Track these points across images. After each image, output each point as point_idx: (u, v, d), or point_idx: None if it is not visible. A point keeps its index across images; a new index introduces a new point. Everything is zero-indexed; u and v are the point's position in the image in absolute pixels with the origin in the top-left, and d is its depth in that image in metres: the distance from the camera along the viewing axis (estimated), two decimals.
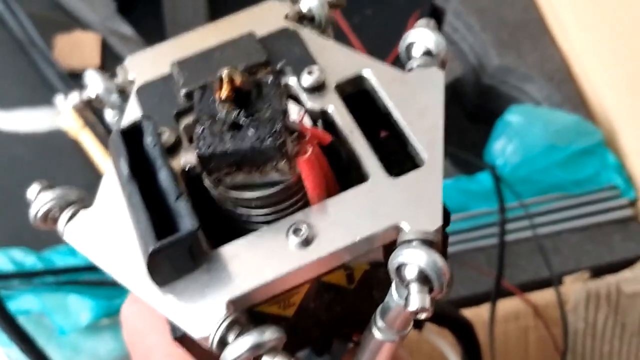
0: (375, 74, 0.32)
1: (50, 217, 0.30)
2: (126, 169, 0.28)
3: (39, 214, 0.30)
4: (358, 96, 0.32)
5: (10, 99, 0.97)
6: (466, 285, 0.80)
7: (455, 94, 1.02)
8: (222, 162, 0.27)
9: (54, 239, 0.83)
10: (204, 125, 0.27)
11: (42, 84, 0.97)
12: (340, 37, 0.98)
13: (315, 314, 0.33)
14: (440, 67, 0.32)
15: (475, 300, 0.78)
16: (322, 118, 0.31)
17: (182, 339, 0.28)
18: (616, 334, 0.79)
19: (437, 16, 1.07)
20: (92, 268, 0.78)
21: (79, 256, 0.80)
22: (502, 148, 0.88)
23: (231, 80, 0.27)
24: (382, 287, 0.32)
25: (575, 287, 0.78)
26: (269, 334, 0.26)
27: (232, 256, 0.28)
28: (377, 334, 0.31)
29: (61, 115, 0.91)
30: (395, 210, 0.28)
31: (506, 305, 0.77)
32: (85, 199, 0.31)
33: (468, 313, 0.76)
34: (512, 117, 0.88)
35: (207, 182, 0.29)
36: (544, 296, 0.77)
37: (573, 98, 0.94)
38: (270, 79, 0.28)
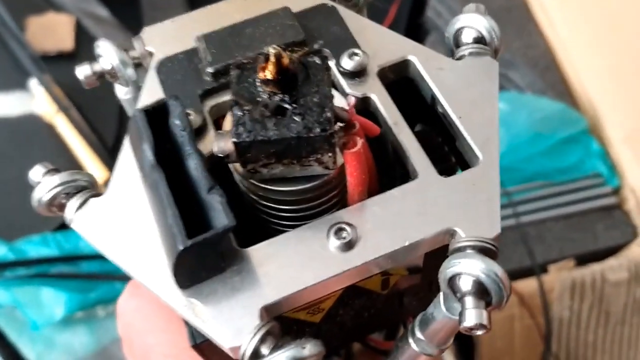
0: (422, 60, 0.29)
1: (56, 203, 0.27)
2: (151, 155, 0.24)
3: (44, 199, 0.27)
4: (400, 84, 0.29)
5: None
6: None
7: None
8: (262, 151, 0.24)
9: (26, 229, 0.80)
10: (243, 109, 0.24)
11: (14, 67, 0.93)
12: None
13: (342, 320, 0.30)
14: (493, 56, 0.29)
15: None
16: (363, 106, 0.28)
17: (202, 346, 0.26)
18: (601, 322, 0.78)
19: (420, 1, 1.05)
20: (65, 259, 0.76)
21: (51, 246, 0.77)
22: None
23: (278, 60, 0.24)
24: (414, 292, 0.29)
25: (560, 275, 0.77)
26: (310, 349, 0.22)
27: (266, 256, 0.24)
28: (414, 346, 0.28)
29: (36, 99, 0.88)
30: (448, 213, 0.25)
31: None
32: (97, 185, 0.28)
33: None
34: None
35: (237, 174, 0.26)
36: (529, 285, 0.77)
37: (557, 85, 0.93)
38: (317, 60, 0.25)
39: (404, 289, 0.29)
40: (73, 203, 0.26)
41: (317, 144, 0.24)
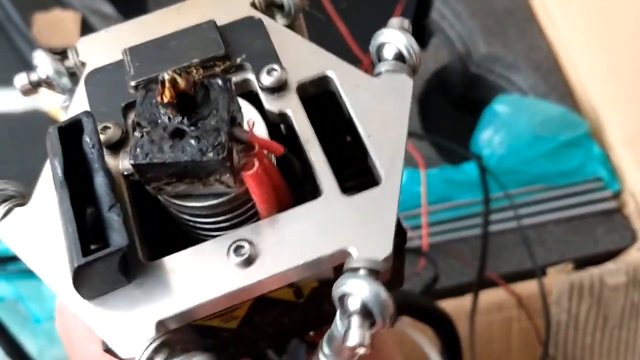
0: (340, 76, 0.29)
1: None
2: (60, 172, 0.25)
3: None
4: (323, 97, 0.30)
5: None
6: (450, 275, 0.79)
7: (441, 82, 1.01)
8: (160, 172, 0.25)
9: None
10: (143, 130, 0.25)
11: (19, 62, 0.94)
12: (326, 22, 0.96)
13: (262, 326, 0.31)
14: (410, 75, 0.29)
15: (459, 291, 0.77)
16: (282, 120, 0.29)
17: (112, 351, 0.26)
18: (598, 325, 0.79)
19: (425, 3, 1.06)
20: None
21: None
22: (489, 139, 0.87)
23: (174, 84, 0.24)
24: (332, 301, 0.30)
25: (559, 278, 0.78)
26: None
27: (169, 271, 0.25)
28: None
29: (42, 94, 0.88)
30: (345, 232, 0.26)
31: (490, 296, 0.76)
32: (25, 195, 0.29)
33: (452, 303, 0.75)
34: (500, 107, 0.87)
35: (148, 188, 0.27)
36: (528, 287, 0.77)
37: (559, 88, 0.94)
38: (219, 82, 0.25)
39: (322, 297, 0.29)
40: (1, 209, 0.28)
41: (211, 167, 0.24)
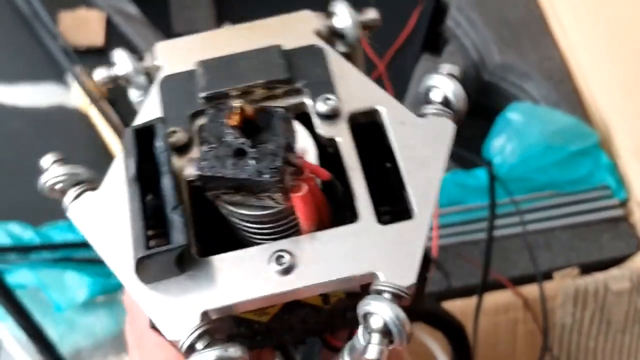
0: (389, 113, 0.32)
1: (57, 190, 0.31)
2: (133, 170, 0.29)
3: (47, 185, 0.31)
4: (371, 127, 0.32)
5: (12, 73, 0.97)
6: (459, 276, 0.81)
7: None
8: (220, 184, 0.28)
9: (52, 214, 0.83)
10: (210, 146, 0.28)
11: (45, 59, 0.97)
12: None
13: (290, 323, 0.34)
14: (454, 121, 0.32)
15: (467, 292, 0.79)
16: (331, 145, 0.31)
17: (154, 328, 0.29)
18: (602, 330, 0.81)
19: (440, 10, 1.08)
20: (90, 245, 0.79)
21: (77, 233, 0.80)
22: (501, 146, 0.89)
23: (242, 111, 0.28)
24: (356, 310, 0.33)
25: (564, 283, 0.80)
26: (233, 352, 0.26)
27: (217, 268, 0.28)
28: None
29: (73, 90, 0.91)
30: (375, 257, 0.28)
31: (497, 298, 0.78)
32: (94, 181, 0.32)
33: (459, 304, 0.78)
34: (513, 114, 0.89)
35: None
36: (534, 290, 0.79)
37: (570, 98, 0.96)
38: (280, 112, 0.29)
39: (346, 306, 0.33)
40: (71, 193, 0.31)
41: (265, 186, 0.28)
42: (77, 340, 0.73)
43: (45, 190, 0.32)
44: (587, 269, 0.83)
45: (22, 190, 0.86)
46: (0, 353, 0.73)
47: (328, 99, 0.31)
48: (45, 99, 0.94)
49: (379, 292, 0.28)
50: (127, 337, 0.39)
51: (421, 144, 0.31)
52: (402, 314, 0.27)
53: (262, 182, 0.27)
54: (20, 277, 0.76)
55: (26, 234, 0.80)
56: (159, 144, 0.29)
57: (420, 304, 0.34)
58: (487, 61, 1.02)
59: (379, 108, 0.32)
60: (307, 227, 0.29)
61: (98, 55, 0.97)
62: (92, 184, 0.31)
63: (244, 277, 0.28)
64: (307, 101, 0.32)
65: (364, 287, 0.30)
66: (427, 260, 0.30)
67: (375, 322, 0.27)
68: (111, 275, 0.85)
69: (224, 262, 0.29)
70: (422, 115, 0.32)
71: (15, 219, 0.81)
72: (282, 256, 0.28)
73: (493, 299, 0.78)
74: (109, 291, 0.77)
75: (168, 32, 1.04)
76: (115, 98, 0.90)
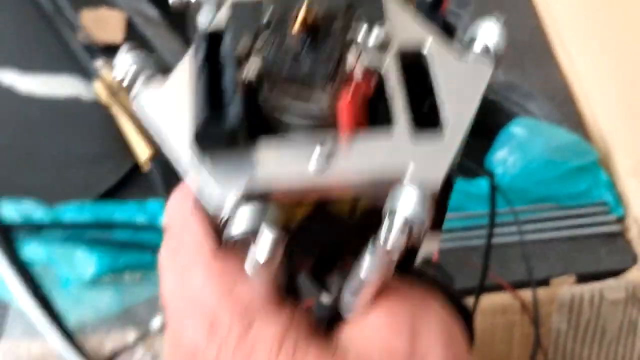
0: (435, 52, 0.34)
1: (128, 76, 0.34)
2: (200, 60, 0.32)
3: (118, 71, 0.34)
4: (413, 67, 0.35)
5: (30, 63, 0.99)
6: (459, 279, 0.83)
7: None
8: (276, 79, 0.31)
9: (66, 196, 0.85)
10: (270, 44, 0.31)
11: (65, 52, 1.00)
12: None
13: (314, 235, 0.36)
14: (492, 65, 0.35)
15: (466, 293, 0.81)
16: (376, 75, 0.34)
17: (200, 205, 0.32)
18: (596, 338, 0.82)
19: (448, 32, 1.12)
20: (100, 225, 0.81)
21: (88, 212, 0.82)
22: (504, 158, 0.92)
23: (306, 17, 0.31)
24: (377, 231, 0.35)
25: (561, 289, 0.81)
26: (270, 213, 0.29)
27: (262, 151, 0.31)
28: (362, 273, 0.34)
29: (97, 82, 0.94)
30: (407, 159, 0.31)
31: (495, 299, 0.80)
32: (161, 72, 0.34)
33: None
34: (516, 128, 0.93)
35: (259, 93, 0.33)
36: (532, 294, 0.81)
37: (571, 118, 0.99)
38: (340, 26, 0.32)
39: (369, 224, 0.34)
40: (140, 80, 0.34)
41: (317, 86, 0.31)
42: (82, 315, 0.74)
43: (117, 74, 0.34)
44: (583, 279, 0.85)
45: (37, 171, 0.88)
46: (8, 313, 0.74)
47: (380, 30, 0.34)
48: (63, 90, 0.97)
49: (405, 189, 0.30)
50: (162, 267, 0.40)
51: (461, 80, 0.33)
52: (424, 209, 0.29)
53: (314, 82, 0.30)
54: (30, 252, 0.77)
55: (38, 212, 0.81)
56: (226, 44, 0.32)
57: (439, 227, 0.36)
58: (492, 80, 1.05)
59: (426, 44, 0.35)
60: (346, 129, 0.32)
61: (116, 52, 1.00)
62: (160, 73, 0.34)
63: (288, 160, 0.31)
64: (360, 29, 0.34)
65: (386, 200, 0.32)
66: (449, 185, 0.32)
67: (398, 218, 0.29)
68: (119, 257, 0.86)
69: (269, 146, 0.31)
70: (463, 57, 0.35)
71: (29, 197, 0.83)
72: (324, 147, 0.31)
73: (491, 300, 0.80)
74: (116, 271, 0.79)
75: (184, 35, 1.07)
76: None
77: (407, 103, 0.33)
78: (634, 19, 0.93)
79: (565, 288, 0.81)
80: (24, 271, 0.70)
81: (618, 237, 0.89)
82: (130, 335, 0.75)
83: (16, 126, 0.93)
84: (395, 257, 0.31)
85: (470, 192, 0.90)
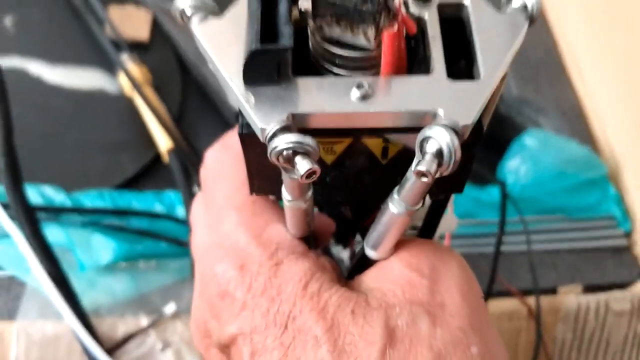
0: (474, 6, 0.38)
1: (186, 15, 0.36)
2: None
3: (177, 7, 0.37)
4: (452, 22, 0.38)
5: (57, 55, 1.02)
6: None
7: None
8: (327, 10, 0.33)
9: (85, 182, 0.87)
10: None
11: (91, 46, 1.02)
12: None
13: (346, 176, 0.38)
14: (527, 21, 0.37)
15: None
16: (418, 24, 0.37)
17: (245, 136, 0.35)
18: (600, 349, 0.83)
19: None
20: (118, 212, 0.83)
21: (106, 201, 0.84)
22: (516, 167, 0.94)
23: None
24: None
25: (567, 297, 0.83)
26: (309, 140, 0.31)
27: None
28: (391, 207, 0.36)
29: (118, 76, 0.96)
30: (441, 101, 0.33)
31: (503, 305, 0.81)
32: (216, 9, 0.37)
33: None
34: (529, 140, 0.95)
35: (309, 31, 0.36)
36: (540, 301, 0.82)
37: (582, 134, 1.01)
38: None
39: (399, 166, 0.37)
40: (198, 16, 0.37)
41: (365, 16, 0.33)
42: (97, 298, 0.76)
43: (176, 14, 0.37)
44: (590, 290, 0.86)
45: (58, 159, 0.90)
46: (24, 292, 0.75)
47: None
48: (88, 82, 0.99)
49: (439, 125, 0.32)
50: (195, 219, 0.42)
51: (497, 32, 0.36)
52: (457, 141, 0.31)
53: (363, 11, 0.33)
54: (50, 234, 0.79)
55: (58, 197, 0.83)
56: None
57: (460, 186, 0.38)
58: (505, 95, 1.07)
59: (466, 2, 0.38)
60: (386, 70, 0.34)
61: (141, 50, 1.03)
62: (217, 11, 0.37)
63: (329, 95, 0.33)
64: None
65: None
66: (479, 129, 0.34)
67: (431, 146, 0.31)
68: (136, 244, 0.88)
69: (312, 83, 0.34)
70: (500, 11, 0.38)
71: (50, 183, 0.85)
72: (362, 85, 0.33)
73: (499, 305, 0.81)
74: (131, 258, 0.80)
75: None
76: (159, 85, 0.95)
77: (443, 52, 0.35)
78: None
79: (571, 297, 0.83)
80: (48, 252, 0.71)
81: (625, 252, 0.90)
82: (143, 321, 0.76)
83: (42, 115, 0.95)
84: (425, 185, 0.33)
85: (482, 199, 0.92)
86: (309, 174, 0.31)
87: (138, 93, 0.91)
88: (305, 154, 0.31)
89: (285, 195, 0.37)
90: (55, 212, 0.82)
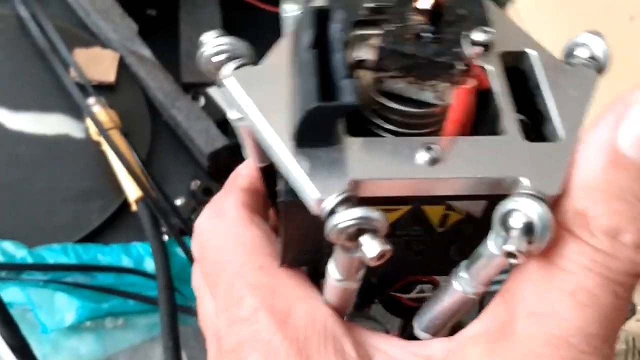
0: (539, 57, 0.33)
1: (216, 61, 0.32)
2: (309, 39, 0.30)
3: (207, 53, 0.32)
4: (512, 72, 0.34)
5: (20, 101, 0.98)
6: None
7: None
8: (396, 61, 0.29)
9: (48, 238, 0.82)
10: (392, 25, 0.29)
11: (56, 90, 0.99)
12: None
13: (395, 244, 0.34)
14: (597, 72, 0.34)
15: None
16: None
17: (289, 204, 0.30)
18: None
19: None
20: (82, 268, 0.78)
21: (70, 256, 0.80)
22: None
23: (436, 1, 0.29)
24: (462, 245, 0.33)
25: None
26: (377, 215, 0.26)
27: (365, 148, 0.29)
28: (456, 286, 0.31)
29: (88, 120, 0.92)
30: (520, 167, 0.29)
31: None
32: (254, 58, 0.32)
33: None
34: None
35: (363, 84, 0.31)
36: None
37: None
38: (464, 12, 0.30)
39: (456, 236, 0.32)
40: (231, 64, 0.31)
41: (440, 70, 0.29)
42: None
43: (204, 60, 0.32)
44: None
45: (20, 212, 0.86)
46: None
47: (485, 30, 0.32)
48: (53, 128, 0.95)
49: (522, 194, 0.27)
50: (199, 292, 0.37)
51: (568, 85, 0.32)
52: (550, 213, 0.26)
53: (439, 64, 0.28)
54: (9, 295, 0.75)
55: (19, 253, 0.79)
56: (337, 24, 0.30)
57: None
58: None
59: (529, 51, 0.34)
60: (453, 128, 0.30)
61: (108, 92, 0.99)
62: (252, 59, 0.32)
63: (392, 159, 0.29)
64: (464, 32, 0.33)
65: (486, 210, 0.30)
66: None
67: (517, 220, 0.26)
68: (102, 302, 0.83)
69: (370, 144, 0.29)
70: (568, 64, 0.34)
71: (11, 239, 0.81)
72: (431, 148, 0.29)
73: None
74: (97, 317, 0.76)
75: (177, 77, 1.06)
76: (127, 131, 0.92)
77: (514, 109, 0.31)
78: None
79: None
80: (6, 317, 0.67)
81: None
82: None
83: (4, 164, 0.91)
84: (516, 260, 0.27)
85: None
86: (381, 256, 0.26)
87: (105, 139, 0.88)
88: (373, 231, 0.26)
89: (334, 274, 0.31)
90: (16, 269, 0.77)
